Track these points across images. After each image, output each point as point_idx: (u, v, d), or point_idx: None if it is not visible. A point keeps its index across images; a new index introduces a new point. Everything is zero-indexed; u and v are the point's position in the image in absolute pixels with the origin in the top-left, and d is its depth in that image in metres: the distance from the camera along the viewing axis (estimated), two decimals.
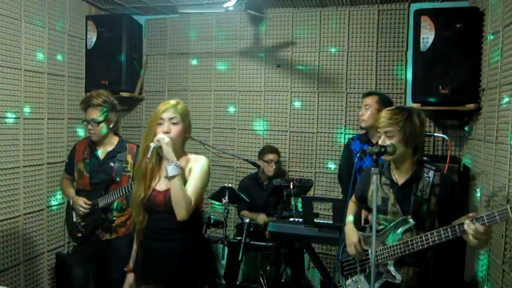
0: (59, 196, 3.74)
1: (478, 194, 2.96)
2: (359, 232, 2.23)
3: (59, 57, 3.73)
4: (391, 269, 2.02)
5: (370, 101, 3.07)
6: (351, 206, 2.40)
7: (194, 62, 4.34)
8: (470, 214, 1.80)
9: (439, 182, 2.01)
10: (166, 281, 2.03)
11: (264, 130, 4.16)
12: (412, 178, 2.04)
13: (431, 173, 2.03)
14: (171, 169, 1.91)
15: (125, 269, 2.16)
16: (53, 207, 3.72)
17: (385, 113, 2.07)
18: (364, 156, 2.96)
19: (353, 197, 2.40)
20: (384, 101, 3.08)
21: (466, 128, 3.47)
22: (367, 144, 3.11)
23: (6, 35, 3.21)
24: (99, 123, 2.73)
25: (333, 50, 3.93)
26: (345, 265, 2.31)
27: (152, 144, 1.93)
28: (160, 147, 1.93)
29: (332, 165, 3.94)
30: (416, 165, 2.05)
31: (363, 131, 3.21)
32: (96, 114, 2.72)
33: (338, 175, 3.55)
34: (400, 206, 2.04)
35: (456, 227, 1.82)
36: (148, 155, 1.93)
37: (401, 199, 2.04)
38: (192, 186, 1.99)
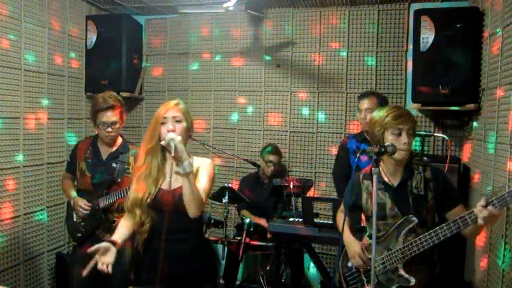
0: (59, 196, 3.74)
1: (478, 194, 2.96)
2: (359, 241, 2.17)
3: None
4: (403, 273, 1.98)
5: (371, 104, 3.04)
6: (342, 217, 2.24)
7: (194, 62, 4.34)
8: (479, 203, 1.78)
9: (430, 176, 2.03)
10: (170, 281, 2.02)
11: (264, 130, 4.16)
12: (407, 176, 2.03)
13: (420, 168, 2.05)
14: (187, 165, 1.88)
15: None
16: (53, 207, 3.72)
17: (401, 110, 2.03)
18: (360, 154, 2.91)
19: (341, 207, 2.31)
20: (383, 103, 3.08)
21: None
22: (364, 143, 3.11)
23: (6, 35, 3.21)
24: (118, 124, 2.74)
25: (333, 50, 3.93)
26: (349, 279, 2.23)
27: (170, 142, 1.86)
28: (175, 146, 1.86)
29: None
30: (407, 164, 2.06)
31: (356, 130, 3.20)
32: (116, 116, 2.71)
33: (333, 174, 3.52)
34: (398, 208, 2.02)
35: (466, 216, 1.81)
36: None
37: (399, 201, 2.03)
38: (202, 185, 2.01)
